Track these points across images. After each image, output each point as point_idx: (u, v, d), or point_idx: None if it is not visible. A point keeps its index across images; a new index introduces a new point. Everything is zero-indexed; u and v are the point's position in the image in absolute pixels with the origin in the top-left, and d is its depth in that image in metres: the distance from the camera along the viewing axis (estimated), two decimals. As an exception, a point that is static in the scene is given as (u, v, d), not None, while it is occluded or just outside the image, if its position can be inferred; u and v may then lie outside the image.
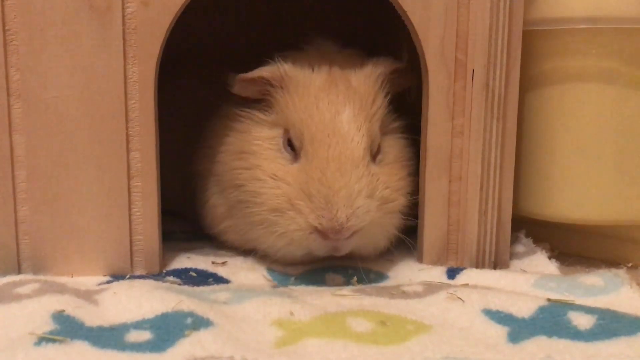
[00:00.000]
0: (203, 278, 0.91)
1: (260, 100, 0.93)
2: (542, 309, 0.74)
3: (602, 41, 0.99)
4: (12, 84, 0.87)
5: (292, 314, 0.73)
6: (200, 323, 0.68)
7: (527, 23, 1.01)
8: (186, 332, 0.66)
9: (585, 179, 1.02)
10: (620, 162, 1.01)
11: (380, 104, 0.93)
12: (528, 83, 1.04)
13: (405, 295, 0.81)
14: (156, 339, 0.66)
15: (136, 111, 0.89)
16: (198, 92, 1.20)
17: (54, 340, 0.64)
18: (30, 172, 0.88)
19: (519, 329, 0.70)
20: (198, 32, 1.38)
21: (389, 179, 0.91)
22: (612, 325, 0.70)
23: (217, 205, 0.97)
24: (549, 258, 1.01)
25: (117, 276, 0.90)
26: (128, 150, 0.90)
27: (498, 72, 0.93)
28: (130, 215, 0.91)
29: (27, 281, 0.81)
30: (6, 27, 0.86)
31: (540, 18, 1.01)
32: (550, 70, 1.02)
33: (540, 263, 0.99)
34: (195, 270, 0.93)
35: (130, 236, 0.91)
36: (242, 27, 1.42)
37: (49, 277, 0.86)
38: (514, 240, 1.08)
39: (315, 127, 0.87)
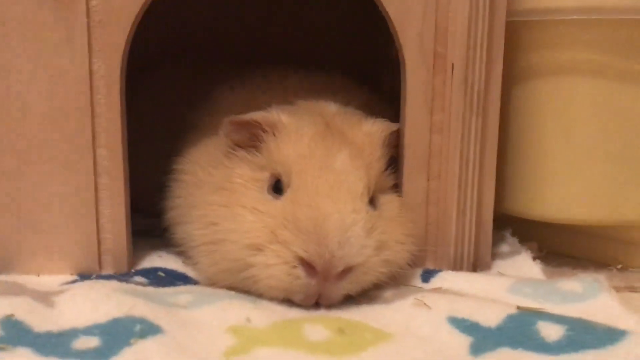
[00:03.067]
0: (171, 278, 0.89)
1: (250, 146, 0.86)
2: (510, 318, 0.70)
3: (594, 32, 0.94)
4: (-27, 80, 0.85)
5: (249, 320, 0.70)
6: (149, 330, 0.66)
7: (514, 14, 0.96)
8: (132, 341, 0.64)
9: (575, 178, 0.98)
10: (611, 160, 0.97)
11: (376, 159, 0.86)
12: (515, 76, 0.99)
13: (371, 299, 0.78)
14: (102, 346, 0.64)
15: (102, 106, 0.87)
16: (181, 88, 1.18)
17: (-5, 348, 0.62)
18: (-6, 170, 0.87)
19: (484, 340, 0.67)
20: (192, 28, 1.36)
21: (388, 228, 0.81)
22: (581, 337, 0.66)
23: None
24: (534, 259, 0.97)
25: (84, 275, 0.88)
26: (94, 147, 0.88)
27: (478, 67, 0.88)
28: (97, 213, 0.89)
29: (-13, 282, 0.80)
30: (-34, 21, 0.84)
31: (528, 8, 0.96)
32: (538, 63, 0.98)
33: (524, 264, 0.95)
34: (164, 270, 0.91)
35: (98, 235, 0.89)
36: (236, 22, 1.39)
37: (11, 277, 0.85)
38: (500, 239, 1.05)
39: (306, 162, 0.80)
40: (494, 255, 0.99)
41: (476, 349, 0.66)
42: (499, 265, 0.96)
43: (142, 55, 1.26)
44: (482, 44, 0.88)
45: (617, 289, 0.92)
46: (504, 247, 1.02)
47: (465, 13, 0.87)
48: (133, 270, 0.91)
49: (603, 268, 1.00)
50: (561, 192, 0.99)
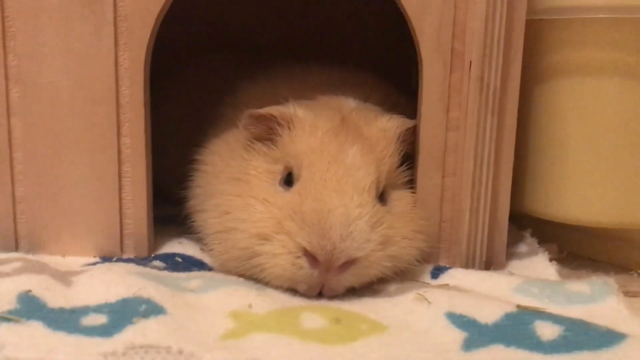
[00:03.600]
0: (188, 264, 0.92)
1: (267, 139, 0.89)
2: (508, 316, 0.70)
3: (620, 32, 0.92)
4: (10, 69, 0.90)
5: (250, 306, 0.73)
6: (152, 311, 0.69)
7: (537, 12, 0.95)
8: (134, 320, 0.67)
9: (598, 179, 0.96)
10: (635, 162, 0.95)
11: (390, 155, 0.87)
12: (537, 76, 0.98)
13: (374, 293, 0.79)
14: (109, 324, 0.67)
15: (127, 97, 0.91)
16: (210, 81, 1.21)
17: (9, 320, 0.66)
18: (26, 154, 0.92)
19: (478, 336, 0.67)
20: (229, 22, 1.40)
21: (396, 224, 0.82)
22: (577, 338, 0.66)
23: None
24: (551, 260, 0.96)
25: (105, 258, 0.92)
26: (119, 136, 0.92)
27: (494, 64, 0.88)
28: (120, 199, 0.93)
29: (12, 260, 0.85)
30: (5, 14, 0.89)
31: (552, 6, 0.95)
32: (561, 62, 0.96)
33: (540, 265, 0.94)
34: (182, 255, 0.94)
35: (120, 220, 0.93)
36: (270, 19, 1.42)
37: (38, 257, 0.89)
38: (519, 239, 1.04)
39: (317, 156, 0.82)
40: (511, 255, 0.98)
41: (469, 344, 0.66)
42: (515, 265, 0.95)
43: (177, 49, 1.31)
44: (500, 41, 0.87)
45: (635, 294, 0.90)
46: (522, 248, 1.01)
47: (483, 9, 0.87)
48: (153, 255, 0.94)
49: (624, 272, 0.98)
50: (582, 193, 0.97)
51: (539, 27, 0.96)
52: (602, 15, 0.92)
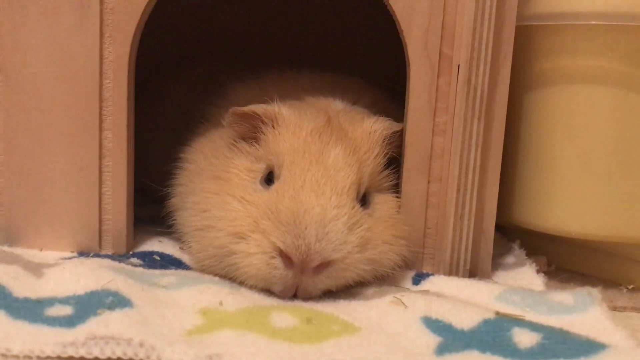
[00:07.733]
0: (165, 262, 0.90)
1: (251, 137, 0.87)
2: (486, 322, 0.68)
3: (614, 39, 0.91)
4: (-5, 58, 0.89)
5: (221, 303, 0.71)
6: (119, 303, 0.67)
7: (528, 17, 0.94)
8: (99, 311, 0.65)
9: (588, 190, 0.94)
10: (626, 174, 0.93)
11: (374, 157, 0.86)
12: (527, 82, 0.97)
13: (351, 295, 0.77)
14: (73, 315, 0.66)
15: (110, 91, 0.90)
16: (203, 83, 1.20)
17: (-30, 307, 0.64)
18: (7, 145, 0.90)
19: (453, 341, 0.65)
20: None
21: (376, 227, 0.80)
22: (555, 346, 0.63)
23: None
24: (538, 272, 0.93)
25: (84, 253, 0.90)
26: (101, 130, 0.90)
27: (482, 68, 0.86)
28: (100, 194, 0.91)
29: (-15, 250, 0.83)
30: (-9, 3, 0.88)
31: (544, 12, 0.94)
32: (552, 69, 0.95)
33: (526, 276, 0.92)
34: (160, 254, 0.93)
35: (100, 215, 0.92)
36: (272, 26, 1.41)
37: (14, 249, 0.88)
38: (507, 251, 1.02)
39: (299, 155, 0.80)
40: (498, 266, 0.96)
41: (442, 349, 0.64)
42: (501, 275, 0.93)
43: (171, 52, 1.31)
44: (488, 45, 0.86)
45: (622, 309, 0.88)
46: (510, 259, 0.99)
47: (471, 12, 0.85)
48: (131, 252, 0.93)
49: (613, 287, 0.96)
50: (571, 205, 0.95)
51: (530, 33, 0.95)
52: (594, 22, 0.91)
